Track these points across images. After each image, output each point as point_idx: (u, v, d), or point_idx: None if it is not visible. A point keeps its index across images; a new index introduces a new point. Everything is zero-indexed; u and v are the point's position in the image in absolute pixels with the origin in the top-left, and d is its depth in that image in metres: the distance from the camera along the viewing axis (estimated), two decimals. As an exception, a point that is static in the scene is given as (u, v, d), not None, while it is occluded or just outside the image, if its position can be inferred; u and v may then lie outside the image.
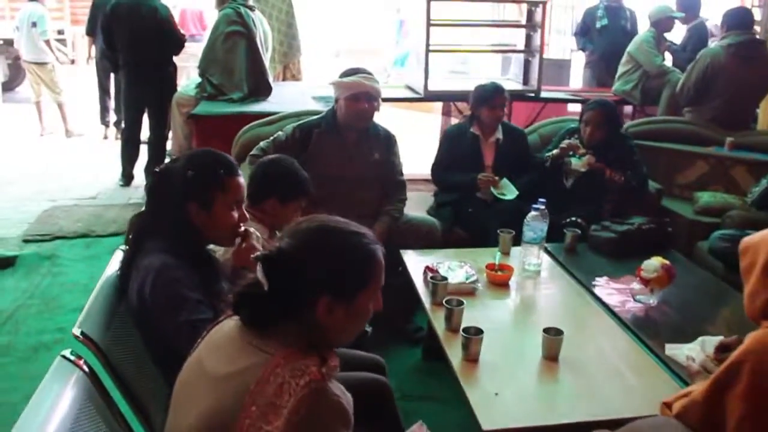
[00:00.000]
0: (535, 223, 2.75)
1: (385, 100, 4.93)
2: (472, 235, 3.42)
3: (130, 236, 1.79)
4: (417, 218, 3.22)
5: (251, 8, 4.37)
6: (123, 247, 1.90)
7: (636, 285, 2.62)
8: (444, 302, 2.31)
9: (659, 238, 3.15)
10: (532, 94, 5.07)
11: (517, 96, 5.15)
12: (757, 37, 4.26)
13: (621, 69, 5.24)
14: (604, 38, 5.86)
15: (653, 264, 2.54)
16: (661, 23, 5.00)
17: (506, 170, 3.63)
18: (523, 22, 5.21)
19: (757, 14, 4.94)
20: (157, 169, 1.80)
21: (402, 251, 2.95)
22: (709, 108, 4.14)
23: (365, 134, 3.14)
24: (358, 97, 3.00)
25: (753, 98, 4.20)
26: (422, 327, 3.22)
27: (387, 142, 3.22)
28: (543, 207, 2.78)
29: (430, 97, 4.97)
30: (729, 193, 3.70)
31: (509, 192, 3.52)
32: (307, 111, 3.73)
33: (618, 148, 3.57)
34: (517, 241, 2.89)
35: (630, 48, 5.14)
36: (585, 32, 5.96)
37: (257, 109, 4.05)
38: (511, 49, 5.27)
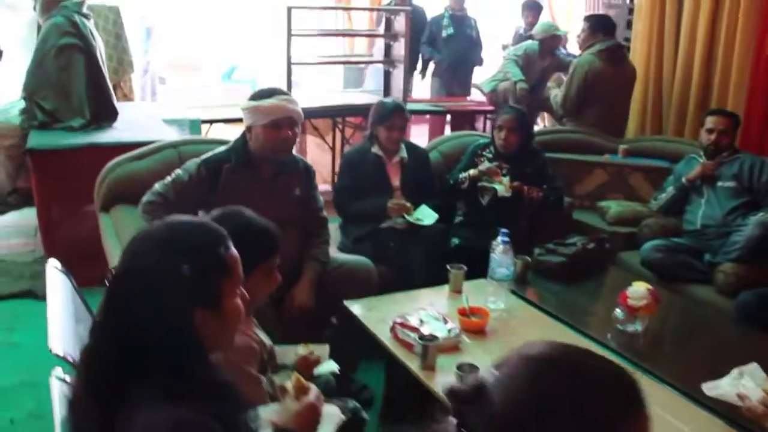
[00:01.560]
0: (505, 258, 2.47)
1: (233, 120, 4.45)
2: (396, 273, 3.04)
3: (86, 384, 1.15)
4: (350, 261, 2.77)
5: (86, 16, 3.54)
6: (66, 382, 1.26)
7: (619, 312, 2.45)
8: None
9: (601, 255, 3.06)
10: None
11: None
12: (621, 42, 4.42)
13: (498, 72, 5.36)
14: (450, 47, 5.83)
15: (640, 290, 2.38)
16: (546, 42, 5.05)
17: (415, 191, 3.34)
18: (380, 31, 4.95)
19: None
20: (114, 276, 1.18)
21: (346, 302, 2.52)
22: (590, 116, 4.21)
23: (283, 167, 2.64)
24: (279, 124, 2.49)
25: (626, 103, 4.36)
26: (367, 385, 2.79)
27: (307, 174, 2.75)
28: (509, 239, 2.50)
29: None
30: (628, 201, 3.75)
31: (426, 217, 3.22)
32: (186, 141, 3.11)
33: (533, 162, 3.45)
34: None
35: (515, 54, 5.20)
36: (432, 41, 5.88)
37: (110, 140, 3.32)
38: (373, 60, 4.98)
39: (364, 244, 3.16)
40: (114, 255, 2.52)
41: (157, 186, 2.50)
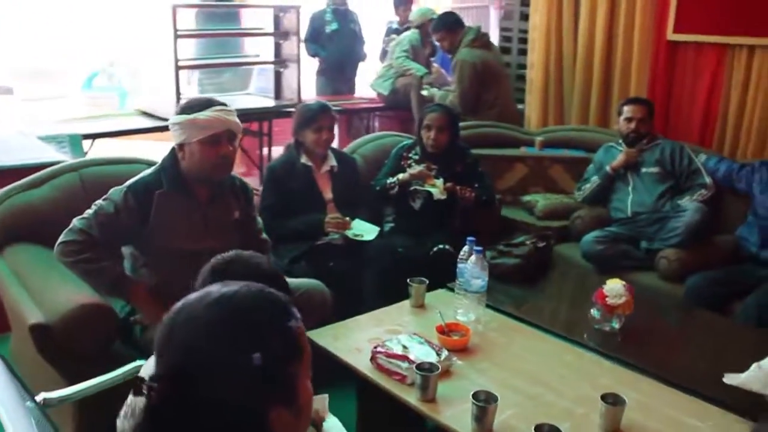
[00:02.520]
0: (478, 269, 2.32)
1: (121, 132, 3.98)
2: (338, 293, 2.80)
3: None
4: (302, 286, 2.49)
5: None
6: None
7: (595, 312, 2.39)
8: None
9: (548, 253, 3.01)
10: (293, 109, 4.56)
11: (275, 113, 4.63)
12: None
13: (385, 69, 5.18)
14: (336, 44, 5.62)
15: (617, 288, 2.34)
16: (425, 27, 4.97)
17: (347, 203, 3.13)
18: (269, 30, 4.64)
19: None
20: (159, 382, 0.87)
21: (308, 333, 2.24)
22: (487, 108, 4.21)
23: (218, 187, 2.32)
24: (219, 139, 2.18)
25: (508, 89, 4.42)
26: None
27: (245, 194, 2.45)
28: (481, 248, 2.35)
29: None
30: (550, 193, 3.76)
31: (366, 232, 3.03)
32: (85, 162, 2.68)
33: (461, 161, 3.35)
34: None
35: (402, 48, 5.05)
36: (315, 38, 5.63)
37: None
38: (262, 60, 4.66)
39: (300, 264, 2.90)
40: (21, 306, 2.09)
41: (76, 222, 2.10)
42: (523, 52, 4.71)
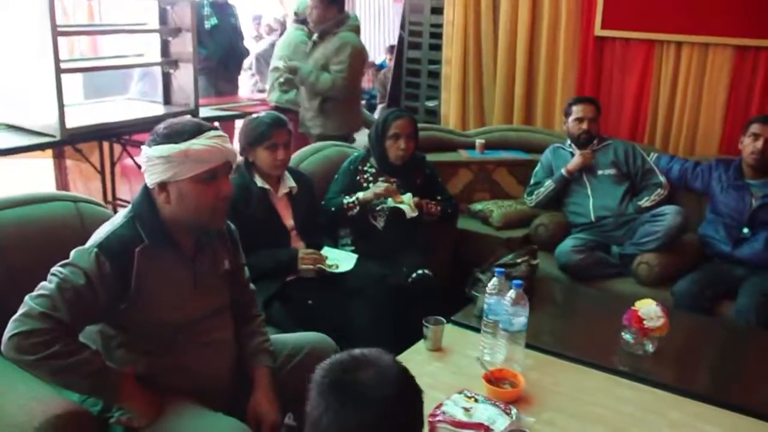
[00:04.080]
0: (520, 305, 2.08)
1: None
2: (326, 333, 2.45)
3: None
4: (305, 343, 2.09)
5: None
6: None
7: (628, 336, 2.25)
8: None
9: (536, 270, 2.84)
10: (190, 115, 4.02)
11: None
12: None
13: (273, 75, 4.64)
14: (216, 40, 5.08)
15: (653, 309, 2.21)
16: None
17: (310, 230, 2.77)
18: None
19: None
20: None
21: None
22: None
23: (205, 234, 1.87)
24: (216, 174, 1.73)
25: None
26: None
27: (232, 238, 2.01)
28: (520, 281, 2.11)
29: (74, 138, 3.45)
30: (498, 199, 3.61)
31: (343, 260, 2.69)
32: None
33: (421, 172, 3.10)
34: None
35: (283, 51, 4.55)
36: (193, 34, 5.02)
37: None
38: (154, 62, 4.03)
39: (275, 307, 2.49)
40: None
41: (31, 303, 1.55)
42: (435, 47, 4.52)
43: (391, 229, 2.96)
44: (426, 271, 2.79)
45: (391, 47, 6.90)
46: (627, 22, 3.68)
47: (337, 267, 2.63)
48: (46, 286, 1.58)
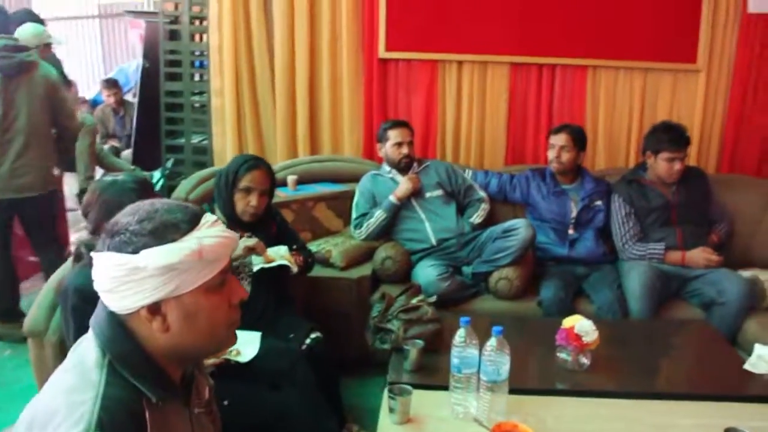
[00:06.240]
0: (503, 352, 1.97)
1: None
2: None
3: None
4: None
5: None
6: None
7: (564, 354, 2.30)
8: None
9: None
10: None
11: None
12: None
13: None
14: None
15: (586, 324, 2.31)
16: (43, 52, 3.68)
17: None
18: None
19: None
20: None
21: None
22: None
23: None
24: (226, 277, 1.29)
25: None
26: None
27: None
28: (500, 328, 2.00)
29: None
30: (320, 236, 3.40)
31: (245, 344, 2.28)
32: None
33: (273, 220, 2.80)
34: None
35: None
36: None
37: None
38: None
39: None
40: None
41: None
42: (197, 77, 4.09)
43: (259, 292, 2.58)
44: (318, 334, 2.51)
45: (109, 81, 5.99)
46: (410, 43, 3.78)
47: (238, 354, 2.19)
48: None
